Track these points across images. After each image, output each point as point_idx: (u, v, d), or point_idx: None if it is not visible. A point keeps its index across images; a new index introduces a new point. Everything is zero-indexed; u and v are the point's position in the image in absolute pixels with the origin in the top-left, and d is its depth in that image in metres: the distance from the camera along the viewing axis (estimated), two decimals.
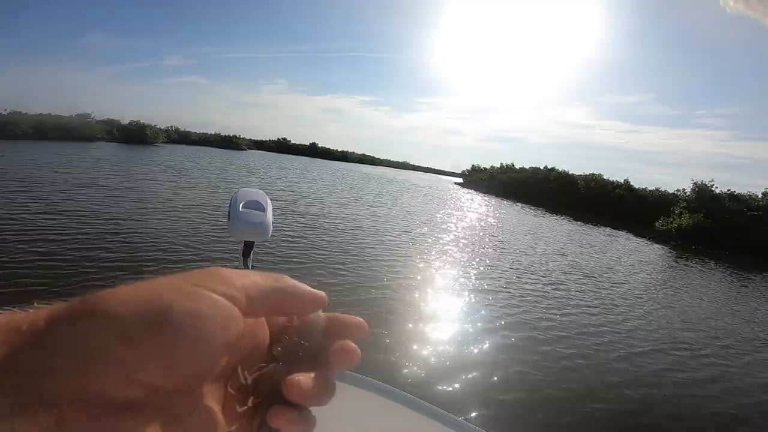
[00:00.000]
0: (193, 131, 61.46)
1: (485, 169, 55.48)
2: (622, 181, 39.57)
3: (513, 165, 51.11)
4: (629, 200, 36.23)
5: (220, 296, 0.22)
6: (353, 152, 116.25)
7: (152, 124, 44.05)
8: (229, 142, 64.82)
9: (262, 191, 1.32)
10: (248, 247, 1.30)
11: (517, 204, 33.55)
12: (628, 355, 5.04)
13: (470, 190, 44.71)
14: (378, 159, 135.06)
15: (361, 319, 0.27)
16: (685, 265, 15.51)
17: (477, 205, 26.95)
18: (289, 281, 0.25)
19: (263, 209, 1.24)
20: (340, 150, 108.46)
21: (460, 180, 60.98)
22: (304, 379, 0.23)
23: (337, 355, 0.24)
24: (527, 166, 48.83)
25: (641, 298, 8.28)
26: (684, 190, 31.29)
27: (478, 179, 50.24)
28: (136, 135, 40.06)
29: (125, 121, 42.23)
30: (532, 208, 31.30)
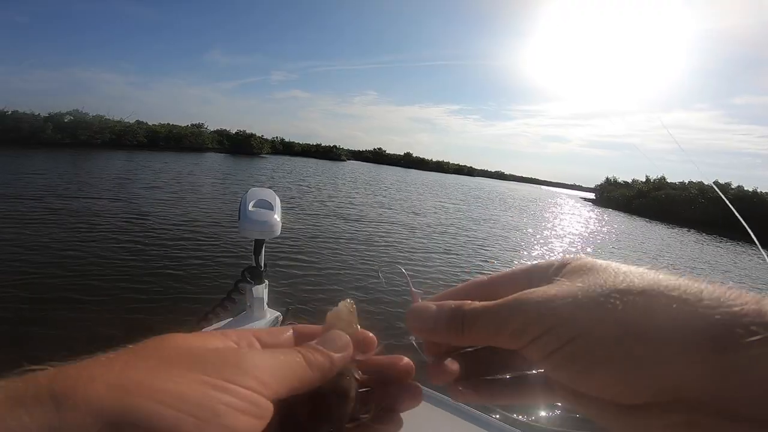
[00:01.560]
0: (296, 142, 63.23)
1: (626, 183, 45.23)
2: None
3: (664, 178, 40.57)
4: None
5: None
6: (448, 162, 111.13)
7: (257, 135, 44.54)
8: (330, 153, 65.05)
9: (271, 190, 1.33)
10: (258, 245, 1.35)
11: (694, 232, 24.84)
12: None
13: (611, 210, 35.50)
14: (475, 169, 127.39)
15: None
16: None
17: (646, 239, 19.58)
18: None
19: (271, 208, 1.26)
20: (434, 160, 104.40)
21: (590, 195, 51.12)
22: None
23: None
24: (685, 181, 38.16)
25: None
26: None
27: (623, 196, 39.97)
28: (242, 145, 40.38)
29: (234, 131, 43.32)
30: (722, 240, 22.51)
